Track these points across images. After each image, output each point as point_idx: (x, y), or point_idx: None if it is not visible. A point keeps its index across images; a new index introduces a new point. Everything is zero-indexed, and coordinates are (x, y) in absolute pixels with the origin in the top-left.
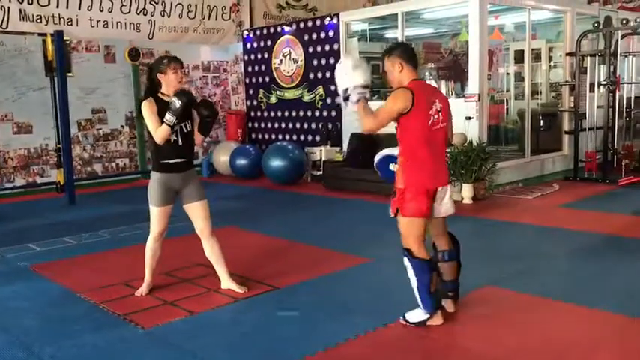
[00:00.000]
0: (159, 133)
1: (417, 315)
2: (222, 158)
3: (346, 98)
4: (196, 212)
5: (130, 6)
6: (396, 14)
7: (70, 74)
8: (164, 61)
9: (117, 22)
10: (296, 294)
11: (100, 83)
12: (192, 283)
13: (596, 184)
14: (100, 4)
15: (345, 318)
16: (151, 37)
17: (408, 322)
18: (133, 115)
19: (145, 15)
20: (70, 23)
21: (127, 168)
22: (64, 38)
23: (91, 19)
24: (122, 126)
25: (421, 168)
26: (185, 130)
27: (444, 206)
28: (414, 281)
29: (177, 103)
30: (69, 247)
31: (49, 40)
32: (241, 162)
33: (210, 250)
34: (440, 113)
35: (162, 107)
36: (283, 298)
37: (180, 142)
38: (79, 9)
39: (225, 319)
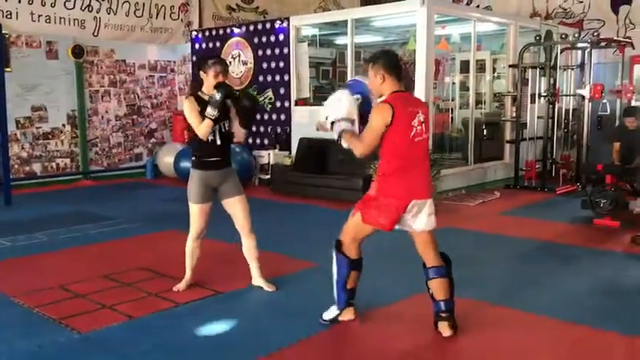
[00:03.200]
0: (201, 128)
1: (330, 313)
2: (166, 159)
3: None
4: (235, 207)
5: (75, 1)
6: (346, 21)
7: (7, 69)
8: (209, 61)
9: (60, 18)
10: (239, 298)
11: (40, 80)
12: (132, 287)
13: (536, 192)
14: None
15: (288, 322)
16: (95, 34)
17: (324, 320)
18: (75, 114)
19: (90, 11)
20: (8, 16)
21: (67, 168)
22: (2, 32)
23: (32, 13)
24: (63, 125)
25: (398, 181)
26: (223, 130)
27: (420, 220)
28: (334, 274)
29: (217, 95)
30: (3, 250)
31: None
32: (186, 164)
33: (247, 247)
34: (423, 125)
35: (202, 106)
36: (225, 304)
37: (218, 142)
38: (19, 2)
39: (165, 324)
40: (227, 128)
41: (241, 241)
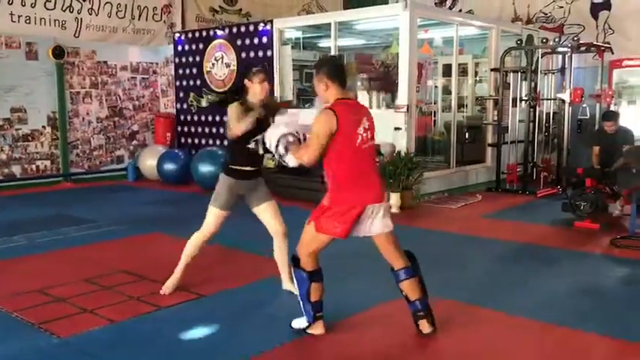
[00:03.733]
0: (241, 125)
1: (300, 322)
2: (149, 162)
3: (280, 156)
4: (267, 213)
5: (55, 2)
6: (329, 24)
7: None
8: (253, 69)
9: (40, 18)
10: (222, 302)
11: (20, 81)
12: (113, 290)
13: (517, 195)
14: None
15: (272, 326)
16: (77, 35)
17: (292, 327)
18: (56, 116)
19: (71, 12)
20: None
21: (47, 170)
22: None
23: (11, 14)
24: (44, 126)
25: (349, 189)
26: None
27: (376, 224)
28: (297, 288)
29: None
30: None
31: None
32: (169, 166)
33: (280, 250)
34: (368, 131)
35: (249, 110)
36: (208, 307)
37: (260, 151)
38: None
39: (147, 328)
40: None
41: (273, 245)
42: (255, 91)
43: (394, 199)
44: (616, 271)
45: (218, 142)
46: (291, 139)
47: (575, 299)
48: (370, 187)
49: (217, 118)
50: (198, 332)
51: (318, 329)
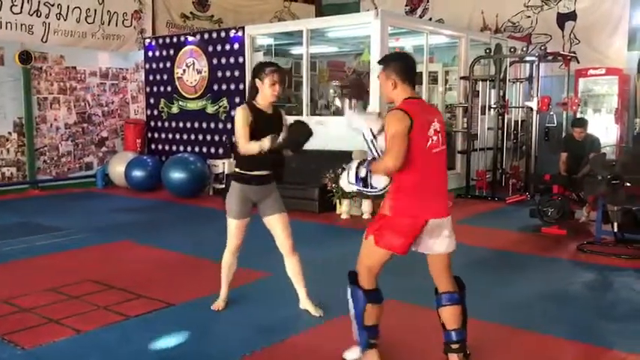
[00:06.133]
0: (248, 147)
1: (352, 353)
2: (118, 169)
3: (365, 184)
4: (276, 225)
5: (22, 6)
6: (302, 31)
7: None
8: (266, 69)
9: (6, 23)
10: (190, 311)
11: None
12: (80, 300)
13: (486, 202)
14: None
15: (241, 334)
16: (44, 40)
17: (344, 359)
18: (22, 122)
19: (39, 17)
20: None
21: (14, 177)
22: None
23: None
24: (10, 133)
25: (414, 198)
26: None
27: (440, 242)
28: (351, 309)
29: (280, 139)
30: None
31: None
32: (138, 173)
33: (291, 266)
34: (439, 134)
35: (257, 117)
36: (178, 316)
37: (267, 154)
38: None
39: (114, 338)
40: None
41: (284, 261)
42: (266, 93)
43: (366, 205)
44: (582, 276)
45: (189, 149)
46: (365, 164)
47: (543, 304)
48: (437, 197)
49: (188, 125)
50: (167, 341)
51: (372, 359)
